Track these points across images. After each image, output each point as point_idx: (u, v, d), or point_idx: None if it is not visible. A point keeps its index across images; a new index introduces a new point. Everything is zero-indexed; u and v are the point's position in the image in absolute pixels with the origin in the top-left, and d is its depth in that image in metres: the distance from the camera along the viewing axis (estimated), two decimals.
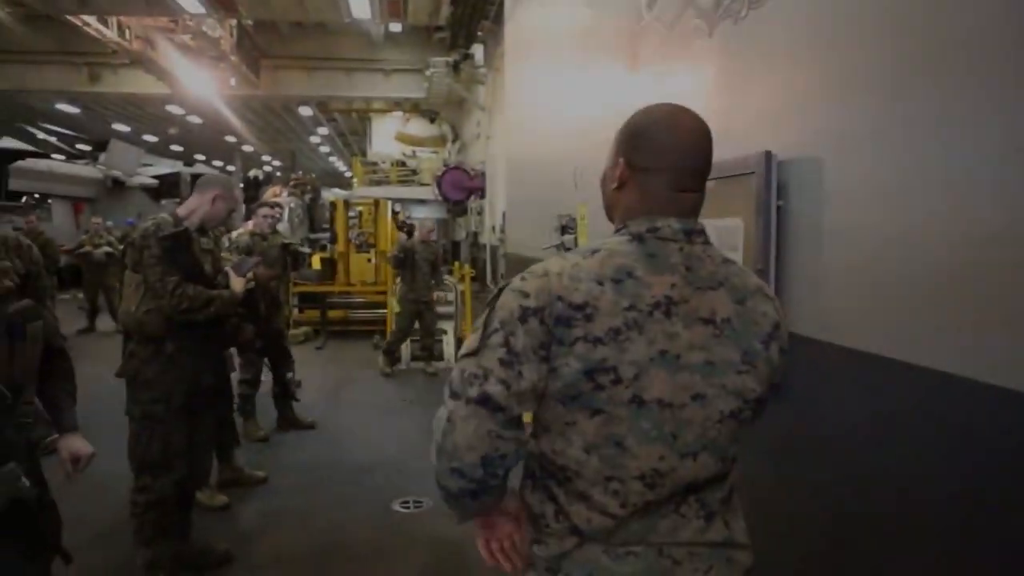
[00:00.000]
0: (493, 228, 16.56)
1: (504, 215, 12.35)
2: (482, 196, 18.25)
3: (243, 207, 18.34)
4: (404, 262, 7.95)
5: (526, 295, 1.19)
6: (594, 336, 1.15)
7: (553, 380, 1.17)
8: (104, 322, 10.57)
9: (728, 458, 1.29)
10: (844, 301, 2.01)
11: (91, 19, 14.78)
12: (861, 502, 1.91)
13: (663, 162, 1.26)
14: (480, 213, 19.14)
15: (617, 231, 1.31)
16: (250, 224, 5.70)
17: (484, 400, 1.16)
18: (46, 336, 2.00)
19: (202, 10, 14.24)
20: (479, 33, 14.61)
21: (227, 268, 3.31)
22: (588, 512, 1.23)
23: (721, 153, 2.31)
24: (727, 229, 2.54)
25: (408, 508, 4.14)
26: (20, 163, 14.20)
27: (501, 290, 1.24)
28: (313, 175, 19.40)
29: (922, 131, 1.68)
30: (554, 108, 6.05)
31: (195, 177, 3.41)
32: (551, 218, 5.52)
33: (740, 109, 2.58)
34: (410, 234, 10.19)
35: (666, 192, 1.26)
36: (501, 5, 10.07)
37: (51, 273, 9.79)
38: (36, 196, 15.61)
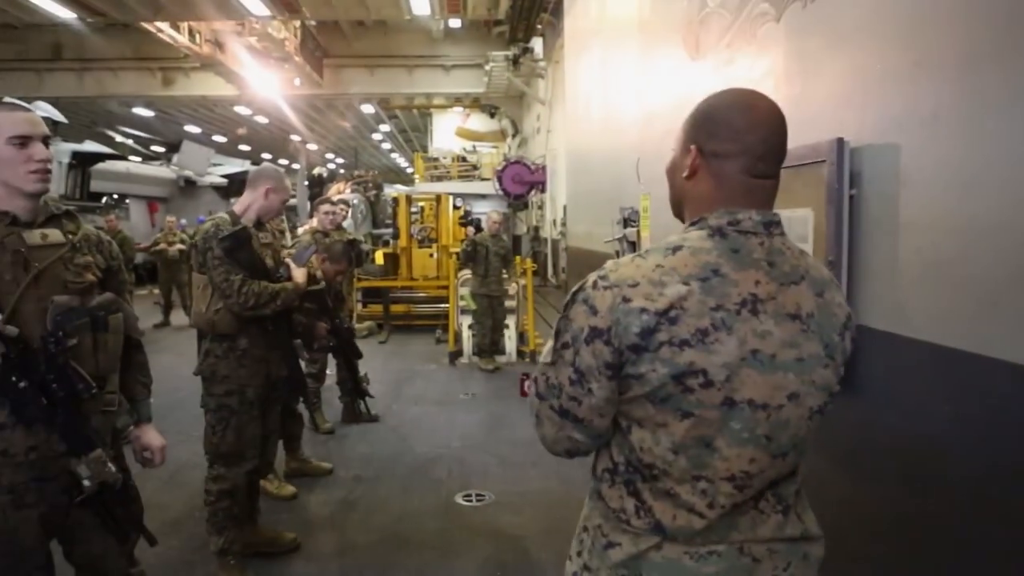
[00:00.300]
0: (554, 222, 16.53)
1: (565, 209, 12.31)
2: (543, 190, 18.23)
3: (308, 204, 18.78)
4: (474, 256, 7.98)
5: (595, 312, 1.14)
6: (680, 339, 1.10)
7: (640, 385, 1.13)
8: (178, 317, 10.96)
9: (804, 452, 1.25)
10: (922, 294, 1.92)
11: (164, 25, 15.32)
12: (938, 502, 1.83)
13: (738, 146, 1.18)
14: (541, 207, 19.12)
15: (693, 223, 1.23)
16: (314, 221, 5.81)
17: (563, 413, 1.20)
18: (126, 328, 2.08)
19: (267, 12, 14.60)
20: (538, 26, 14.57)
21: (287, 260, 3.35)
22: (674, 509, 1.17)
23: (790, 141, 2.24)
24: (796, 220, 2.46)
25: (471, 501, 4.16)
26: (101, 165, 14.82)
27: (576, 294, 1.19)
28: (375, 172, 19.67)
29: (1008, 115, 1.59)
30: (615, 99, 5.99)
31: None
32: (613, 211, 5.47)
33: (810, 95, 2.50)
34: (477, 228, 10.22)
35: (741, 179, 1.19)
36: None
37: (128, 270, 10.21)
38: (115, 196, 16.28)
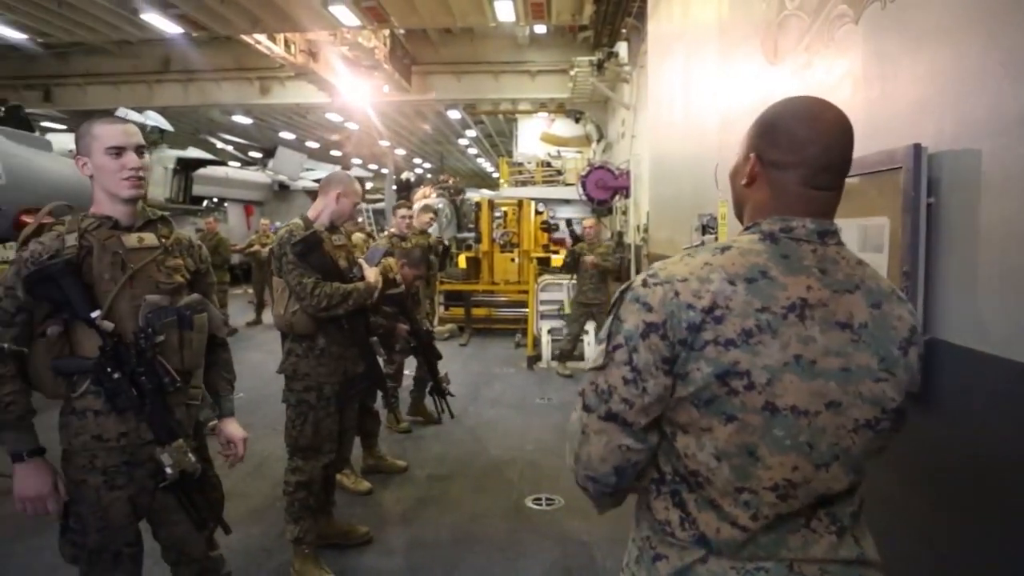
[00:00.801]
0: (637, 228, 16.37)
1: (648, 214, 12.19)
2: (627, 195, 18.08)
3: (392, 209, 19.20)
4: (572, 267, 8.04)
5: (648, 308, 1.15)
6: (725, 338, 1.10)
7: (684, 385, 1.13)
8: (269, 316, 11.41)
9: (860, 470, 1.20)
10: (1006, 308, 1.83)
11: (262, 37, 16.02)
12: (1019, 528, 1.74)
13: (797, 157, 1.18)
14: (625, 212, 18.97)
15: (747, 229, 1.24)
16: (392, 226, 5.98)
17: (613, 417, 1.17)
18: (210, 328, 2.21)
19: (357, 22, 15.06)
20: (623, 31, 14.48)
21: (360, 260, 3.47)
22: (718, 522, 1.16)
23: (866, 147, 2.18)
24: (872, 228, 2.38)
25: (540, 505, 4.19)
26: (202, 170, 15.61)
27: (623, 294, 1.20)
28: (456, 177, 19.98)
29: None
30: (695, 104, 5.90)
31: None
32: (694, 217, 5.39)
33: (888, 99, 2.41)
34: (576, 239, 10.23)
35: (798, 190, 1.19)
36: (645, 1, 9.92)
37: (224, 270, 10.74)
38: (215, 200, 17.13)
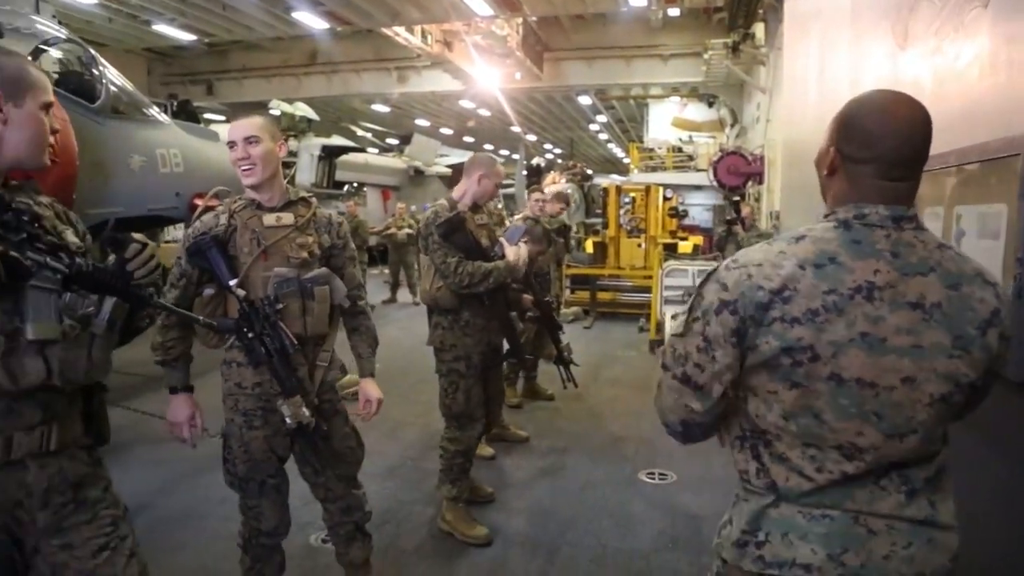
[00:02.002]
0: (770, 215, 15.87)
1: (779, 201, 11.84)
2: (760, 182, 17.54)
3: (525, 193, 19.52)
4: (722, 245, 8.15)
5: (725, 287, 1.29)
6: (791, 317, 1.23)
7: (754, 355, 1.27)
8: (403, 295, 12.08)
9: (936, 439, 1.30)
10: None
11: (400, 29, 16.79)
12: None
13: (872, 152, 1.27)
14: (758, 199, 18.41)
15: (825, 216, 1.34)
16: (527, 209, 6.25)
17: (685, 379, 1.35)
18: (333, 298, 2.49)
19: (491, 12, 15.47)
20: (760, 11, 14.03)
21: (501, 239, 3.70)
22: (787, 472, 1.30)
23: (992, 133, 2.20)
24: (991, 215, 2.37)
25: (654, 479, 4.35)
26: (344, 157, 16.56)
27: (709, 275, 1.35)
28: (582, 164, 20.03)
29: None
30: (829, 87, 5.77)
31: None
32: (822, 204, 5.32)
33: (1013, 86, 2.38)
34: (734, 221, 10.21)
35: (874, 181, 1.28)
36: None
37: (362, 251, 11.44)
38: (355, 185, 18.12)
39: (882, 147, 1.26)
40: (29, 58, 1.61)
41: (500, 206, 19.58)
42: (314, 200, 2.60)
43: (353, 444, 2.63)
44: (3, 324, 1.42)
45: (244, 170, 2.36)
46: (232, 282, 2.28)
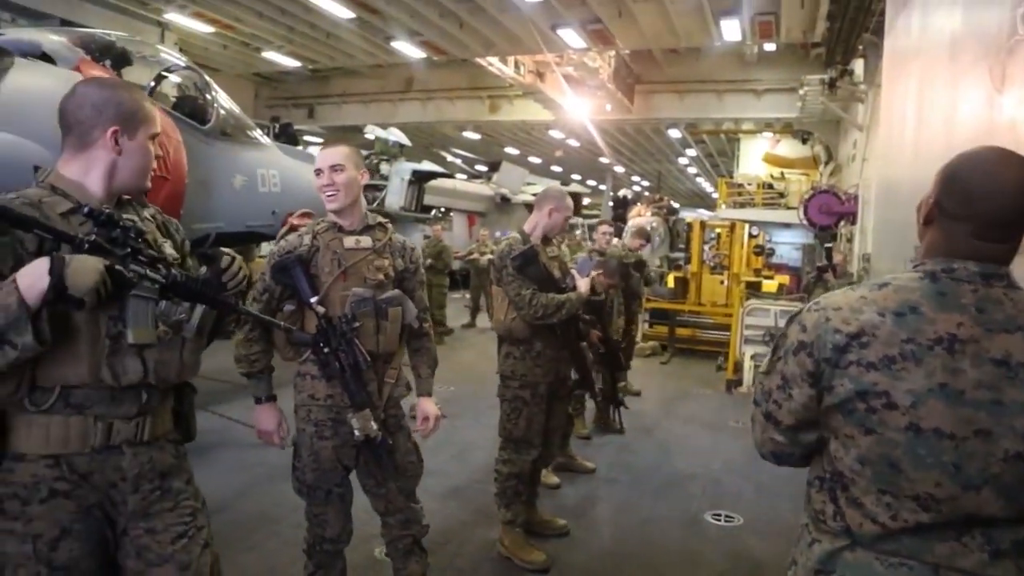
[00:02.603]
0: (861, 257, 15.31)
1: (872, 243, 11.44)
2: (853, 222, 16.98)
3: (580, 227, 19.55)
4: (810, 290, 8.04)
5: (804, 329, 1.35)
6: (867, 361, 1.26)
7: (830, 396, 1.30)
8: (483, 319, 12.23)
9: (1019, 500, 1.25)
10: None
11: (494, 59, 17.21)
12: None
13: (968, 211, 1.27)
14: (851, 240, 17.81)
15: (914, 266, 1.35)
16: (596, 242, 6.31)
17: (767, 415, 1.42)
18: (405, 319, 2.61)
19: (584, 45, 15.67)
20: (859, 47, 13.69)
21: (573, 271, 3.76)
22: (861, 518, 1.30)
23: None
24: None
25: (719, 520, 4.26)
26: (433, 182, 16.99)
27: (793, 317, 1.41)
28: (668, 197, 19.88)
29: None
30: (925, 128, 5.60)
31: (571, 195, 3.95)
32: (911, 249, 5.14)
33: None
34: (826, 269, 10.15)
35: (969, 240, 1.28)
36: (883, 16, 9.39)
37: (444, 275, 11.68)
38: (442, 210, 18.52)
39: (981, 207, 1.26)
40: (144, 91, 1.80)
41: (579, 233, 19.62)
42: (390, 225, 2.74)
43: (414, 459, 2.73)
44: (109, 328, 1.60)
45: (328, 196, 2.51)
46: (313, 299, 2.42)
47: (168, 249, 1.78)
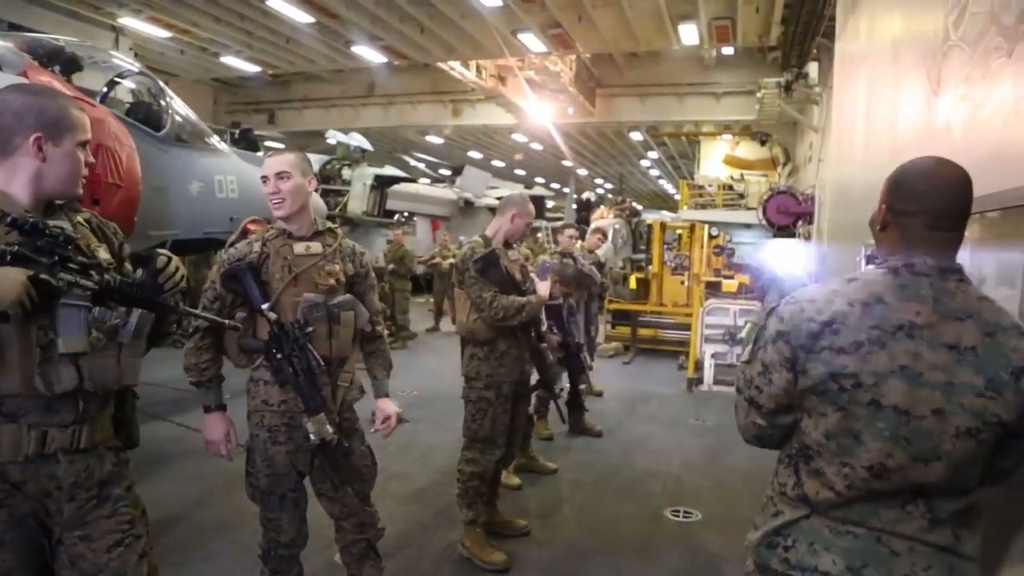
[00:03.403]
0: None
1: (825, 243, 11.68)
2: (810, 222, 17.31)
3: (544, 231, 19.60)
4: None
5: (782, 320, 1.52)
6: (838, 347, 1.42)
7: (804, 379, 1.46)
8: (447, 324, 12.22)
9: (966, 474, 1.42)
10: None
11: (455, 64, 17.22)
12: None
13: (920, 206, 1.46)
14: (808, 239, 18.14)
15: (878, 264, 1.52)
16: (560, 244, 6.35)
17: (750, 400, 1.58)
18: (357, 323, 2.63)
19: (545, 49, 15.78)
20: (814, 51, 13.98)
21: (532, 275, 3.81)
22: (819, 486, 1.47)
23: (1010, 181, 2.24)
24: (1007, 263, 2.38)
25: (678, 517, 4.34)
26: (396, 186, 16.93)
27: (771, 311, 1.56)
28: (631, 199, 20.05)
29: None
30: (873, 130, 5.75)
31: (535, 199, 4.00)
32: (860, 248, 5.27)
33: None
34: None
35: (923, 231, 1.46)
36: (834, 20, 9.62)
37: (407, 279, 11.65)
38: (406, 214, 18.47)
39: (929, 203, 1.45)
40: (73, 99, 1.77)
41: (541, 236, 19.63)
42: (339, 231, 2.75)
43: (369, 462, 2.75)
44: (40, 338, 1.58)
45: (275, 203, 2.51)
46: (264, 306, 2.42)
47: (103, 254, 1.76)
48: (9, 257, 1.47)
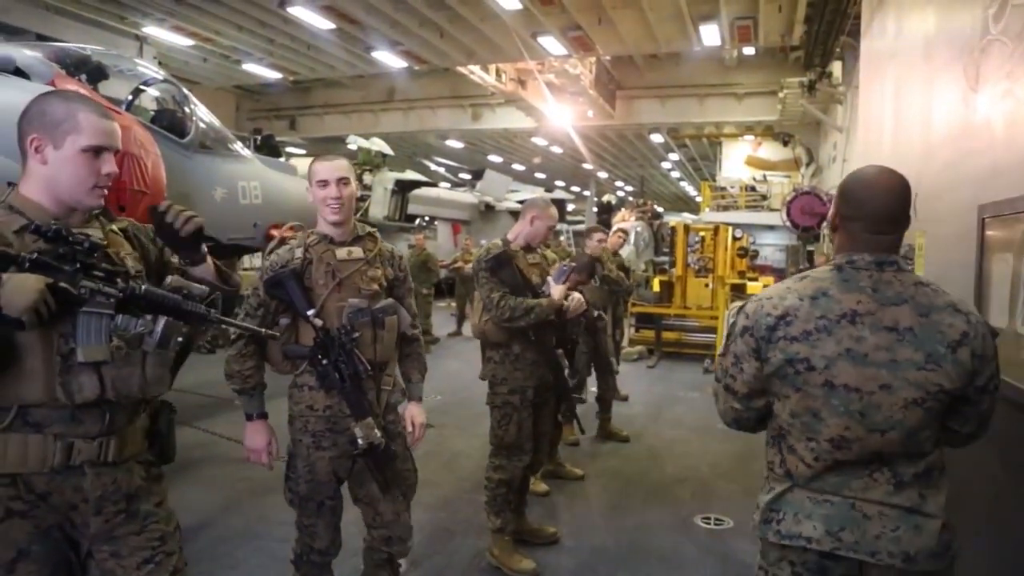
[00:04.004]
0: None
1: None
2: None
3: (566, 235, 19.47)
4: None
5: (747, 316, 1.72)
6: (791, 336, 1.63)
7: (768, 366, 1.67)
8: (469, 328, 12.18)
9: (920, 439, 1.61)
10: None
11: (475, 68, 17.23)
12: None
13: (861, 212, 1.66)
14: (832, 241, 17.88)
15: (828, 261, 1.75)
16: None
17: (727, 387, 1.79)
18: (400, 327, 2.65)
19: (564, 52, 15.73)
20: (837, 49, 13.81)
21: (548, 278, 3.75)
22: (796, 461, 1.68)
23: None
24: None
25: (709, 524, 4.26)
26: (417, 191, 16.96)
27: (741, 308, 1.77)
28: (652, 201, 19.90)
29: None
30: (902, 129, 5.64)
31: (555, 202, 3.99)
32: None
33: None
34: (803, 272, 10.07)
35: (863, 235, 1.66)
36: (859, 18, 9.48)
37: (430, 284, 11.64)
38: (427, 218, 18.50)
39: (869, 208, 1.65)
40: (96, 104, 1.73)
41: (564, 239, 19.56)
42: (379, 235, 2.75)
43: (410, 466, 2.74)
44: (60, 346, 1.55)
45: (333, 208, 2.51)
46: (310, 312, 2.42)
47: (132, 262, 1.73)
48: (28, 264, 1.45)
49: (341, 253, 2.55)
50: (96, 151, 1.64)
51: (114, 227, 1.78)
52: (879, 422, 1.58)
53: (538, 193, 22.80)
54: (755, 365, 1.68)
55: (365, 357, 2.48)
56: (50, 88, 3.96)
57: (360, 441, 2.43)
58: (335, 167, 2.52)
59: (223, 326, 1.81)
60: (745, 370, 1.71)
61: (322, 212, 2.54)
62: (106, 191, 1.69)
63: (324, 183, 2.50)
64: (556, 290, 3.60)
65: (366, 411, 2.45)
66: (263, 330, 2.13)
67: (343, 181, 2.51)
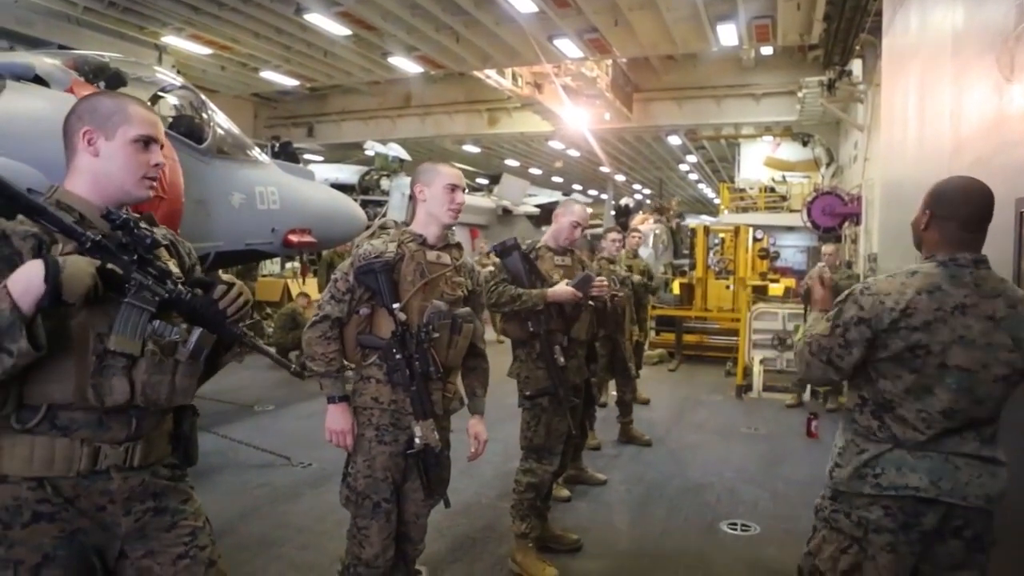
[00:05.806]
0: (867, 257, 15.18)
1: (877, 243, 11.34)
2: (857, 223, 16.87)
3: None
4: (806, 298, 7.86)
5: (862, 308, 1.96)
6: (912, 326, 1.90)
7: (885, 351, 1.94)
8: (489, 332, 12.13)
9: (999, 407, 1.96)
10: None
11: (491, 72, 17.20)
12: None
13: (956, 212, 1.95)
14: (855, 241, 17.68)
15: (927, 259, 2.01)
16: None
17: (829, 362, 2.03)
18: (473, 337, 2.66)
19: (581, 54, 15.66)
20: (857, 47, 13.63)
21: (566, 281, 3.67)
22: (904, 428, 1.95)
23: None
24: None
25: (735, 530, 4.16)
26: None
27: (848, 296, 2.00)
28: (673, 201, 19.77)
29: None
30: (929, 125, 5.52)
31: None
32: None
33: None
34: None
35: (957, 232, 1.95)
36: (880, 16, 9.33)
37: None
38: None
39: (964, 210, 1.95)
40: (141, 100, 1.73)
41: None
42: (463, 247, 2.78)
43: (447, 475, 2.74)
44: (96, 346, 1.53)
45: (455, 212, 2.61)
46: (396, 305, 2.45)
47: (173, 268, 1.72)
48: (89, 244, 1.48)
49: (431, 255, 2.60)
50: (145, 142, 1.67)
51: (157, 232, 1.75)
52: (981, 395, 1.90)
53: (556, 197, 22.75)
54: (863, 351, 1.97)
55: (439, 358, 2.50)
56: (69, 95, 3.97)
57: (418, 440, 2.46)
58: (461, 175, 2.65)
59: (255, 352, 1.80)
60: (854, 353, 1.98)
61: (440, 214, 2.60)
62: (155, 183, 1.72)
63: (454, 187, 2.59)
64: (558, 288, 3.53)
65: (429, 412, 2.48)
66: (292, 365, 2.09)
67: (464, 190, 2.63)
